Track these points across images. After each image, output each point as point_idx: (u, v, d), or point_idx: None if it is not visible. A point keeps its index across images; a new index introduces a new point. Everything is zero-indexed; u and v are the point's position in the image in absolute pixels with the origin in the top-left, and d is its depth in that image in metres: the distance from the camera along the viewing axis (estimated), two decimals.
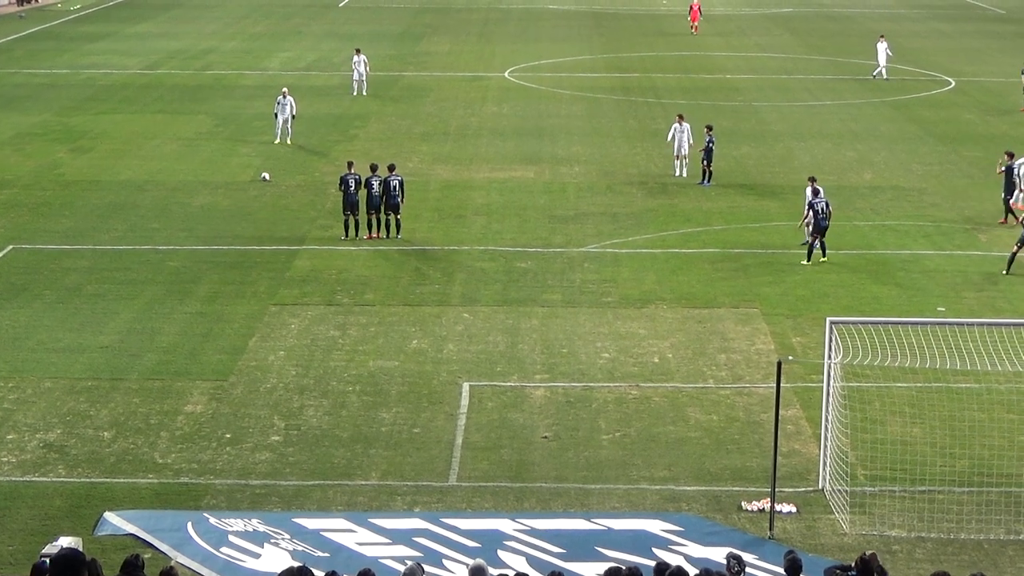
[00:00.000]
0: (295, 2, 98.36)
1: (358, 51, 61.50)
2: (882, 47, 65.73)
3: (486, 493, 23.32)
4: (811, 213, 35.73)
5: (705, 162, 44.52)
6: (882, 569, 16.66)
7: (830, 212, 35.86)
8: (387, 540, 21.57)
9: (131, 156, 48.68)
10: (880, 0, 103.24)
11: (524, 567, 19.88)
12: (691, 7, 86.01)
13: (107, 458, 24.42)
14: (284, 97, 50.24)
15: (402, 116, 55.99)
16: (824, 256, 35.62)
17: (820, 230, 35.56)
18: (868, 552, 16.97)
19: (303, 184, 44.29)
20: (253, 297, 33.24)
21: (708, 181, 44.42)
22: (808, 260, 35.64)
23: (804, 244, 36.32)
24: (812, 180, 37.06)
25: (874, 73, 65.81)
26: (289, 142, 49.96)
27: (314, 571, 14.31)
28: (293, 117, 50.27)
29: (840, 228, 38.01)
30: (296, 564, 15.85)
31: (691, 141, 45.17)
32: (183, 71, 67.83)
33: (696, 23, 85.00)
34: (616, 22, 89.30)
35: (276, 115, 50.50)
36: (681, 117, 45.91)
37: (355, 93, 60.40)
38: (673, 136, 45.52)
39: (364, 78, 60.66)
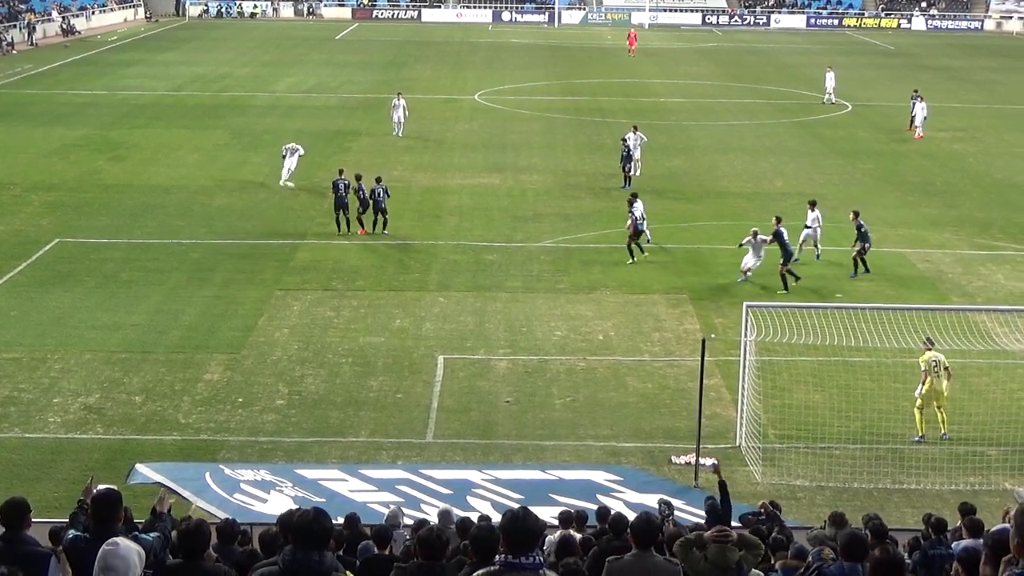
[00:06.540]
0: (298, 35, 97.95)
1: (399, 95, 55.76)
2: (830, 75, 64.98)
3: (457, 448, 23.30)
4: None
5: (626, 167, 44.80)
6: (775, 512, 16.78)
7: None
8: (374, 488, 21.52)
9: (159, 164, 48.33)
10: (789, 38, 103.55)
11: (489, 510, 19.87)
12: (628, 34, 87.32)
13: (138, 418, 24.29)
14: (291, 147, 44.08)
15: (388, 132, 55.51)
16: None
17: None
18: (762, 502, 17.14)
19: (304, 188, 44.04)
20: (261, 283, 33.06)
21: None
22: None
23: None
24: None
25: (824, 99, 64.75)
26: (292, 184, 44.08)
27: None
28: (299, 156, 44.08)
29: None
30: (302, 508, 15.68)
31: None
32: (203, 93, 67.36)
33: (633, 47, 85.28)
34: (569, 54, 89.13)
35: (284, 157, 43.95)
36: (635, 128, 46.14)
37: (396, 134, 53.79)
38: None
39: (403, 121, 53.93)
